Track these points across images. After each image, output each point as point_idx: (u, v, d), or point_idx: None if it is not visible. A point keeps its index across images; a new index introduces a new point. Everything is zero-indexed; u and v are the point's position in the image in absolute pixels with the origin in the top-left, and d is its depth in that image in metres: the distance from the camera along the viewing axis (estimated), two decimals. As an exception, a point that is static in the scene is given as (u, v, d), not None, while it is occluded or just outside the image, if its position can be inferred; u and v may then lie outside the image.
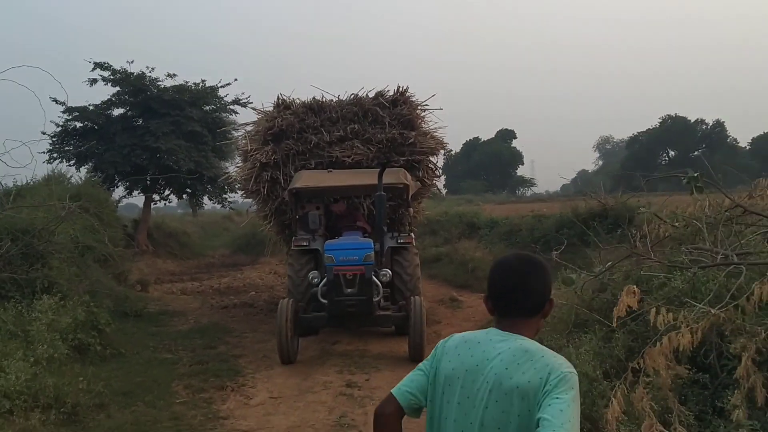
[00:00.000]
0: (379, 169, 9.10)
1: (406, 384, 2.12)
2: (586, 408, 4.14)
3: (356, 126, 11.11)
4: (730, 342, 3.60)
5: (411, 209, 11.09)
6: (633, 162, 71.42)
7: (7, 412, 5.20)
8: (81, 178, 17.84)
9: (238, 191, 15.79)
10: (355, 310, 8.38)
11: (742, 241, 4.96)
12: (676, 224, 6.11)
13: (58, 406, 5.62)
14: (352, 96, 11.53)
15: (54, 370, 6.11)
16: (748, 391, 3.28)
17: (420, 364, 2.16)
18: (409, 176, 10.33)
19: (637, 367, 3.61)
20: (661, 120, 73.47)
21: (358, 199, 11.75)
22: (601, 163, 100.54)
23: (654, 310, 3.81)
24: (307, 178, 10.10)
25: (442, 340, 2.14)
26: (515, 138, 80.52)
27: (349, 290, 8.35)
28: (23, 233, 7.96)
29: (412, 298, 8.65)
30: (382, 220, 9.17)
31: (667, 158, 73.21)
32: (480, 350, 1.98)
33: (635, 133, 77.31)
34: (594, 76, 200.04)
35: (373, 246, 8.85)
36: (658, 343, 3.56)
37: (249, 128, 12.32)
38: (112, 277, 12.80)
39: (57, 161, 21.00)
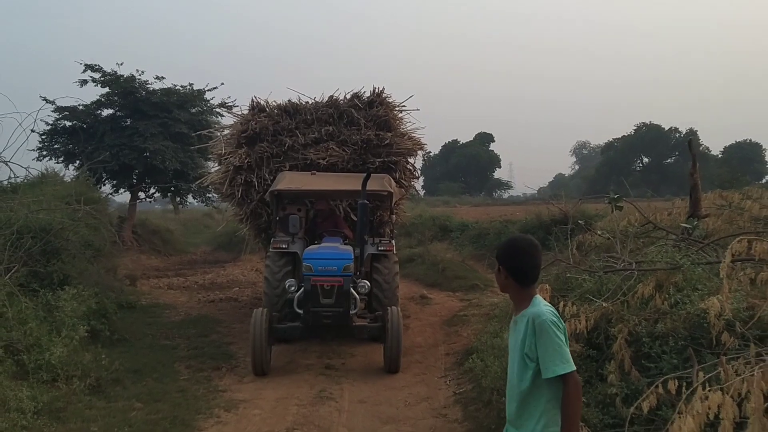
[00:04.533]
0: (363, 175, 9.03)
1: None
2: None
3: (331, 128, 11.07)
4: (613, 327, 4.84)
5: (394, 216, 11.03)
6: (608, 168, 73.09)
7: (51, 380, 6.34)
8: (71, 177, 18.74)
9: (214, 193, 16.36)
10: (331, 321, 8.15)
11: (644, 251, 6.22)
12: (602, 234, 7.37)
13: (85, 378, 6.75)
14: (328, 98, 11.50)
15: (78, 350, 7.21)
16: (620, 362, 4.51)
17: (562, 340, 2.89)
18: (393, 183, 10.21)
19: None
20: (636, 127, 75.17)
21: (334, 201, 11.52)
22: (577, 167, 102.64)
23: (562, 303, 5.05)
24: (290, 180, 9.93)
25: (555, 316, 2.95)
26: (493, 141, 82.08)
27: (326, 301, 8.10)
28: (43, 232, 9.02)
29: (389, 309, 8.35)
30: (364, 229, 9.05)
31: (641, 165, 75.04)
32: None
33: (611, 139, 78.81)
34: (573, 81, 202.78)
35: (353, 255, 8.66)
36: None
37: (226, 132, 12.30)
38: (105, 271, 13.76)
39: (46, 159, 21.90)
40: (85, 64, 21.46)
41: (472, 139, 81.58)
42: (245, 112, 11.85)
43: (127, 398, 6.76)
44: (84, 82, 21.64)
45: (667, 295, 4.91)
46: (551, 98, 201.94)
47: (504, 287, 3.08)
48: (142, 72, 21.89)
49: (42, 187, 12.04)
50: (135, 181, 22.82)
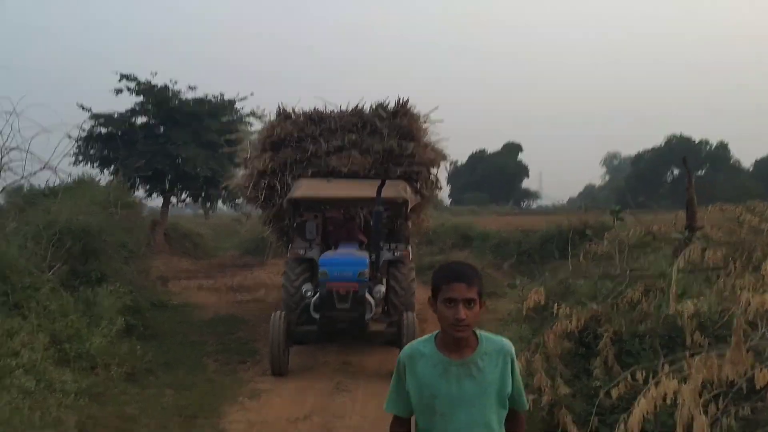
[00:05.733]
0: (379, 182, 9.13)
1: None
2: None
3: (354, 136, 11.14)
4: (601, 327, 5.28)
5: (409, 222, 11.06)
6: (637, 179, 72.72)
7: (90, 368, 6.97)
8: (105, 181, 19.52)
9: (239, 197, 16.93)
10: (346, 326, 8.33)
11: (640, 260, 6.64)
12: (606, 244, 7.78)
13: (121, 367, 7.37)
14: (353, 107, 11.64)
15: (115, 342, 7.84)
16: (605, 358, 4.95)
17: None
18: (409, 189, 10.34)
19: (538, 342, 5.30)
20: (666, 139, 74.75)
21: (355, 209, 11.62)
22: (607, 178, 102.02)
23: (556, 305, 5.51)
24: (306, 187, 10.09)
25: None
26: (521, 151, 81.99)
27: (341, 306, 8.26)
28: (83, 233, 9.69)
29: (404, 314, 8.44)
30: (379, 236, 9.10)
31: (671, 176, 74.48)
32: None
33: (641, 150, 78.34)
34: (604, 91, 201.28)
35: (368, 261, 8.70)
36: (553, 327, 5.25)
37: (253, 137, 12.62)
38: (138, 272, 14.47)
39: (82, 164, 22.77)
40: (121, 74, 22.18)
41: (499, 149, 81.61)
42: (266, 117, 12.15)
43: (159, 386, 7.40)
44: (119, 91, 22.33)
45: (653, 299, 5.34)
46: (583, 108, 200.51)
47: (477, 320, 2.58)
48: (175, 82, 22.62)
49: (79, 191, 12.75)
50: (167, 186, 23.55)
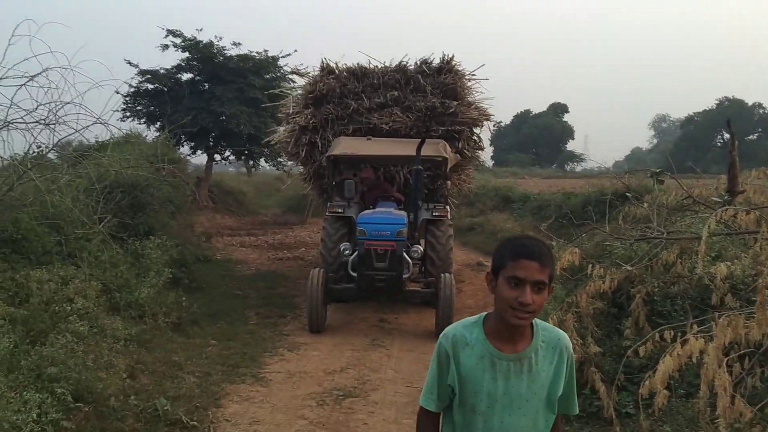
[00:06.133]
0: (418, 141, 9.12)
1: None
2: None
3: (397, 93, 11.00)
4: (634, 287, 5.34)
5: (449, 182, 10.93)
6: (687, 143, 70.75)
7: (139, 317, 7.31)
8: (152, 137, 19.89)
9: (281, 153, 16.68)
10: (384, 285, 8.38)
11: (679, 223, 6.62)
12: (645, 207, 7.75)
13: (168, 317, 7.71)
14: (397, 63, 11.49)
15: (162, 292, 8.18)
16: (636, 319, 5.02)
17: None
18: (449, 149, 10.17)
19: (570, 302, 5.38)
20: (718, 101, 72.42)
21: (395, 167, 11.59)
22: (655, 141, 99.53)
23: (590, 266, 5.56)
24: (345, 145, 10.01)
25: None
26: (567, 112, 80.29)
27: (379, 265, 8.31)
28: (131, 188, 10.00)
29: (442, 275, 8.44)
30: (418, 195, 9.13)
31: (722, 140, 72.24)
32: None
33: (691, 113, 76.14)
34: (654, 52, 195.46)
35: (406, 221, 8.73)
36: (586, 287, 5.33)
37: (297, 93, 12.49)
38: (184, 227, 14.86)
39: (129, 119, 23.20)
40: (167, 30, 22.43)
41: (545, 109, 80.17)
42: (308, 72, 12.18)
43: (203, 336, 7.77)
44: (166, 47, 22.62)
45: (688, 262, 5.36)
46: (630, 69, 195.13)
47: (542, 308, 2.21)
48: (220, 38, 22.79)
49: (127, 146, 13.05)
50: (211, 143, 23.90)
